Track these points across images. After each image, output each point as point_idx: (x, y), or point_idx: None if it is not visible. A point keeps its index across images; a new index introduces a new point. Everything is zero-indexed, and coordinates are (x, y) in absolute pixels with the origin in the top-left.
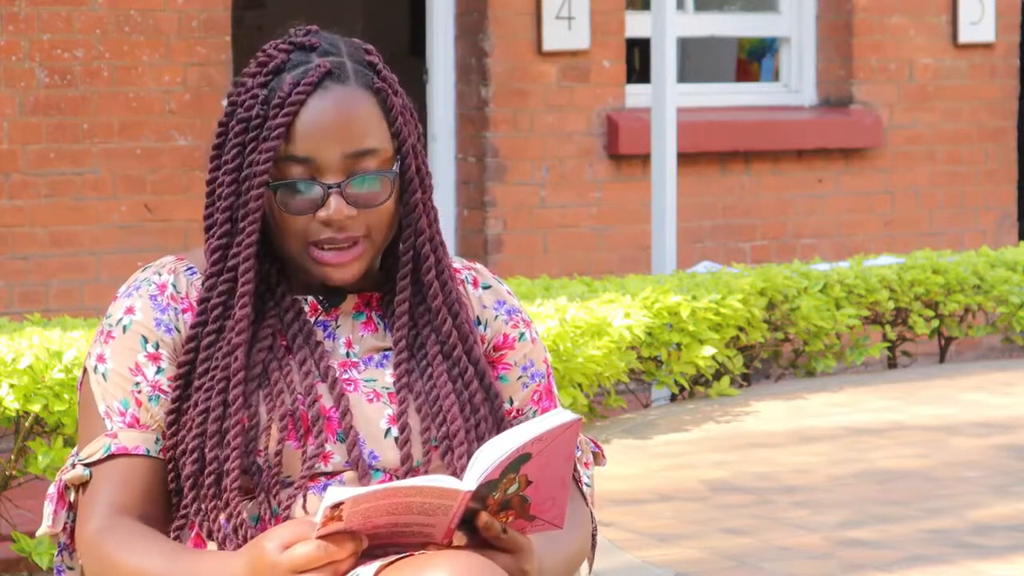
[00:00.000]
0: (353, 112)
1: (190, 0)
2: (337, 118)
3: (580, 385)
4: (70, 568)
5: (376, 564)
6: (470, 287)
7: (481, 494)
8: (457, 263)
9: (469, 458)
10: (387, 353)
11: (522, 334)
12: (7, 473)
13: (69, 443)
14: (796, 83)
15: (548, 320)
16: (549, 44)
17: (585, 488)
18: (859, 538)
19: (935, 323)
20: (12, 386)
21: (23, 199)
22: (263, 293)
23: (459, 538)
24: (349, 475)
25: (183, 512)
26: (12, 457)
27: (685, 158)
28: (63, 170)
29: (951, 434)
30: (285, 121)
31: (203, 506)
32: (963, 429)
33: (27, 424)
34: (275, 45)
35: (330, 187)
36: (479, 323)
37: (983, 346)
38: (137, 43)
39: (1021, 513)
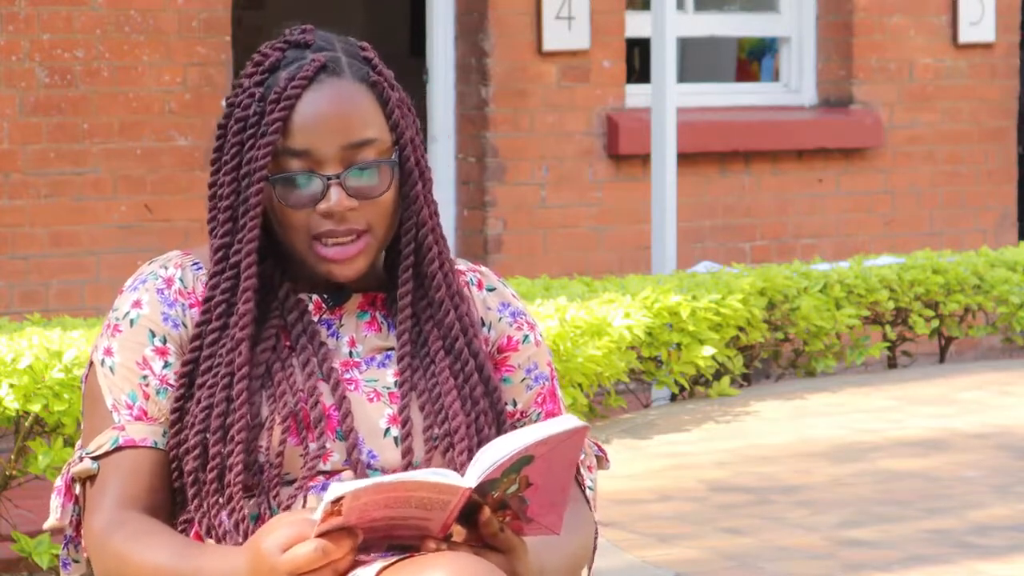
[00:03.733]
0: (349, 103)
1: (190, 0)
2: (333, 110)
3: (580, 385)
4: (75, 561)
5: (377, 565)
6: (475, 289)
7: (481, 491)
8: (462, 265)
9: (470, 454)
10: (389, 353)
11: (526, 336)
12: (7, 473)
13: (69, 443)
14: (796, 83)
15: (548, 320)
16: (549, 44)
17: (588, 492)
18: (859, 538)
19: (935, 323)
20: (12, 386)
21: (23, 199)
22: (267, 292)
23: (457, 531)
24: (347, 475)
25: (188, 508)
26: (12, 457)
27: (685, 158)
28: (63, 170)
29: (951, 434)
30: (281, 115)
31: (205, 503)
32: (963, 429)
33: (27, 424)
34: (270, 45)
35: (329, 179)
36: (483, 325)
37: (983, 346)
38: (137, 43)
39: (1021, 513)
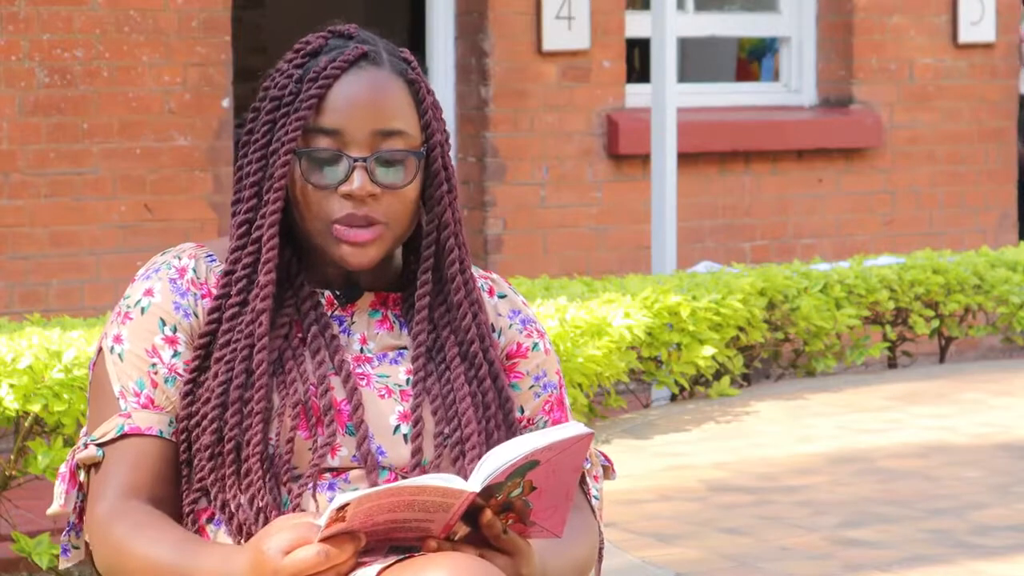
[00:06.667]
0: (385, 92)
1: (190, 0)
2: (369, 94)
3: (580, 385)
4: (75, 548)
5: (376, 566)
6: (486, 295)
7: (485, 495)
8: (473, 271)
9: None
10: (402, 351)
11: (536, 344)
12: (7, 473)
13: (69, 443)
14: (796, 83)
15: (548, 320)
16: (549, 44)
17: (594, 501)
18: (859, 538)
19: (935, 323)
20: (12, 386)
21: (23, 199)
22: (282, 282)
23: (460, 527)
24: (355, 473)
25: (198, 484)
26: (12, 457)
27: (685, 158)
28: (63, 170)
29: (951, 434)
30: (318, 93)
31: (221, 474)
32: (963, 429)
33: (27, 424)
34: (313, 33)
35: (356, 161)
36: (494, 331)
37: (983, 346)
38: (137, 43)
39: (1021, 513)
